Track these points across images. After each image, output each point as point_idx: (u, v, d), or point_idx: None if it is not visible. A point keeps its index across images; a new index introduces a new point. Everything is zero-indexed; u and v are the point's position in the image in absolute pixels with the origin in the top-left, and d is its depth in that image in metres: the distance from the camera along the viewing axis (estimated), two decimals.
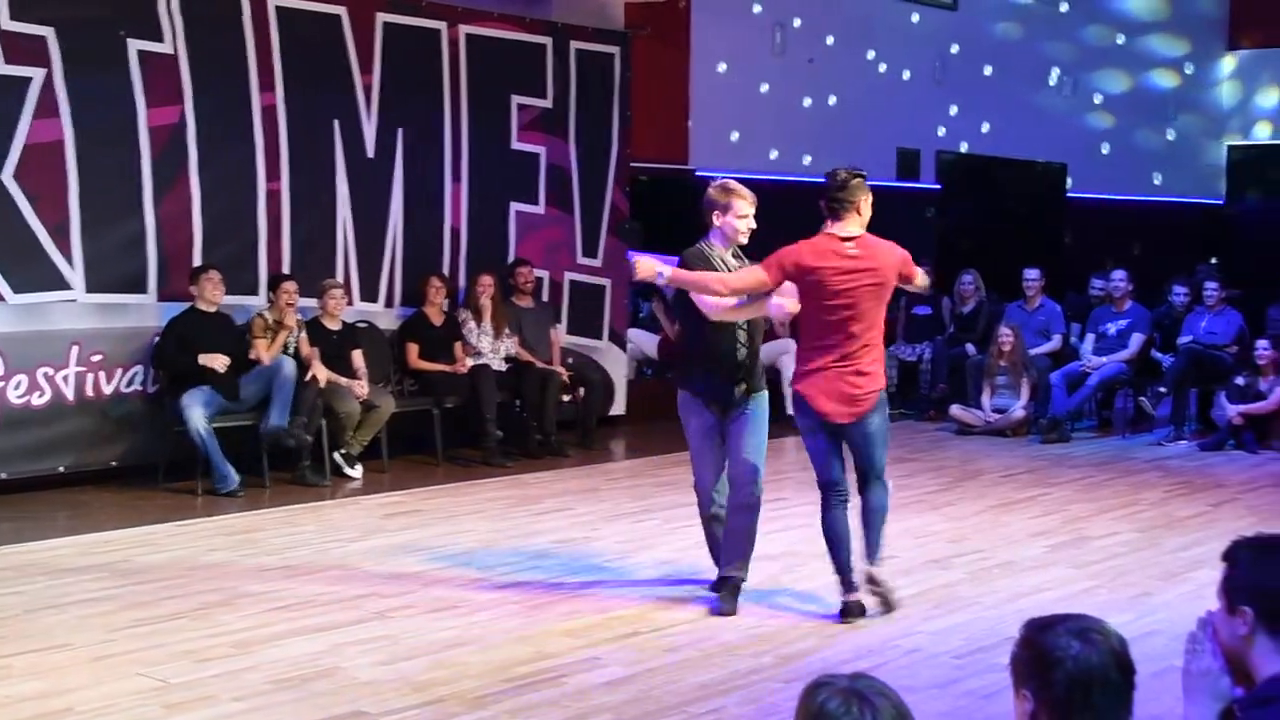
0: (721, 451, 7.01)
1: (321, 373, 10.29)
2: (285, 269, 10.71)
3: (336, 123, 11.10)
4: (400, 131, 11.46)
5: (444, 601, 7.07)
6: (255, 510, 9.29)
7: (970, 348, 13.89)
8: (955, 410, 13.36)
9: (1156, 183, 19.79)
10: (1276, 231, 18.87)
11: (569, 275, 12.83)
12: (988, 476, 11.03)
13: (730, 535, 7.00)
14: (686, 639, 6.51)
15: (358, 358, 10.70)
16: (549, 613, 6.92)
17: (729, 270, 6.81)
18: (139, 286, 10.11)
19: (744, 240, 6.92)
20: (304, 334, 10.42)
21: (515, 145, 12.30)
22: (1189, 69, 19.91)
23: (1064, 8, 18.46)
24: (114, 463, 10.06)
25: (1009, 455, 12.05)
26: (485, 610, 6.93)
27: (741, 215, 6.86)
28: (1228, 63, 20.05)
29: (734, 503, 6.96)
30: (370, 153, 11.30)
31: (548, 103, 12.49)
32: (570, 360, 12.40)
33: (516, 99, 12.27)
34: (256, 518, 9.09)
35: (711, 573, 7.27)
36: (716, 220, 6.88)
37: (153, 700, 5.59)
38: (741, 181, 7.07)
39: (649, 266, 6.58)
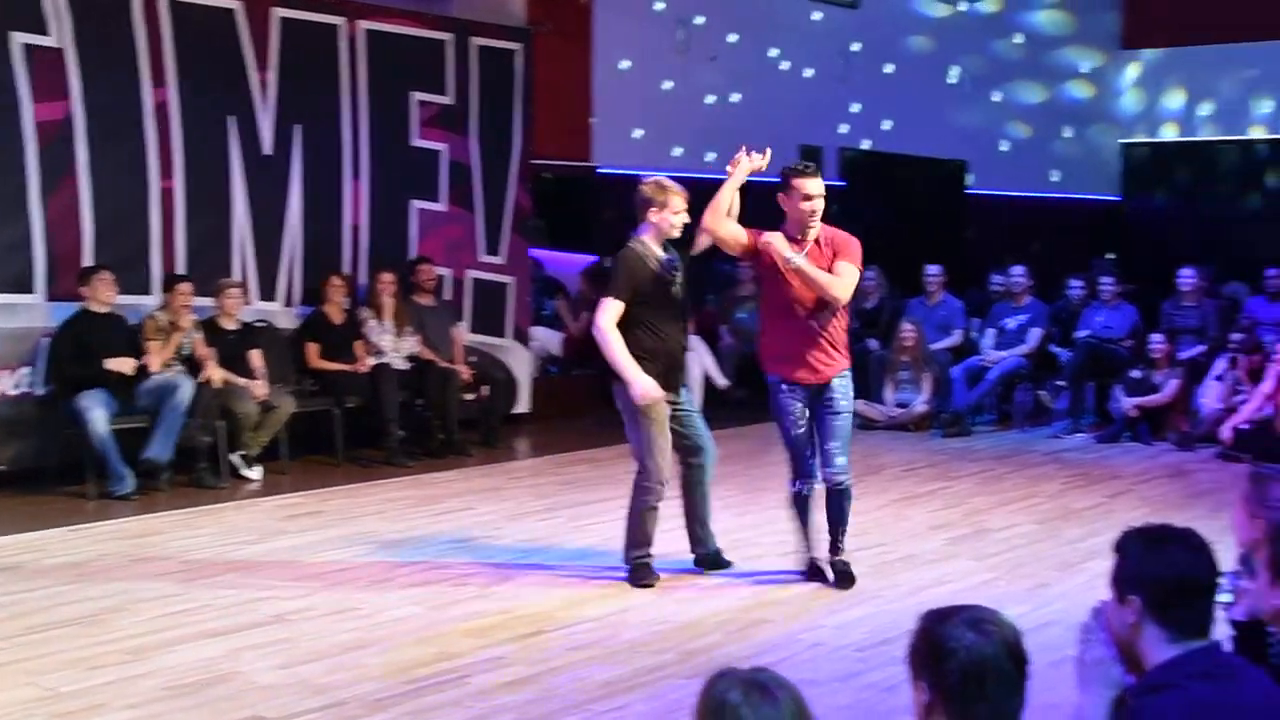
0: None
1: (216, 374, 10.15)
2: (180, 269, 10.57)
3: (232, 119, 10.96)
4: (298, 128, 11.34)
5: (345, 603, 7.02)
6: (151, 514, 9.14)
7: (873, 343, 13.91)
8: (858, 405, 13.23)
9: (1055, 180, 20.03)
10: (1171, 228, 19.22)
11: (471, 273, 12.76)
12: (890, 471, 11.09)
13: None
14: (590, 637, 6.52)
15: (256, 358, 10.58)
16: (451, 613, 6.89)
17: (664, 265, 7.19)
18: (25, 286, 9.92)
19: (677, 234, 7.21)
20: (200, 335, 10.26)
21: (416, 142, 12.23)
22: (1086, 68, 20.16)
23: (963, 7, 18.62)
24: (3, 467, 9.87)
25: (911, 450, 12.14)
26: (387, 611, 6.89)
27: (677, 211, 7.16)
28: (1131, 67, 20.32)
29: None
30: (267, 150, 11.18)
31: (449, 99, 12.42)
32: (473, 358, 12.33)
33: (417, 95, 12.19)
34: (152, 521, 8.95)
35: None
36: (653, 216, 7.15)
37: (40, 710, 5.48)
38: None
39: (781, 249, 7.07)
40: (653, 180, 7.22)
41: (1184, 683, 2.99)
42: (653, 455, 7.25)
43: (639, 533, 7.43)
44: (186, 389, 9.81)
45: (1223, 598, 3.63)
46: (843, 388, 7.22)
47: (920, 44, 18.12)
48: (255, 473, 10.38)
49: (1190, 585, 3.08)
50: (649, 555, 7.45)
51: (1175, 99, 20.08)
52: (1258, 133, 19.32)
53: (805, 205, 7.09)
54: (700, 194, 7.30)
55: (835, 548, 7.46)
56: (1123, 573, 3.15)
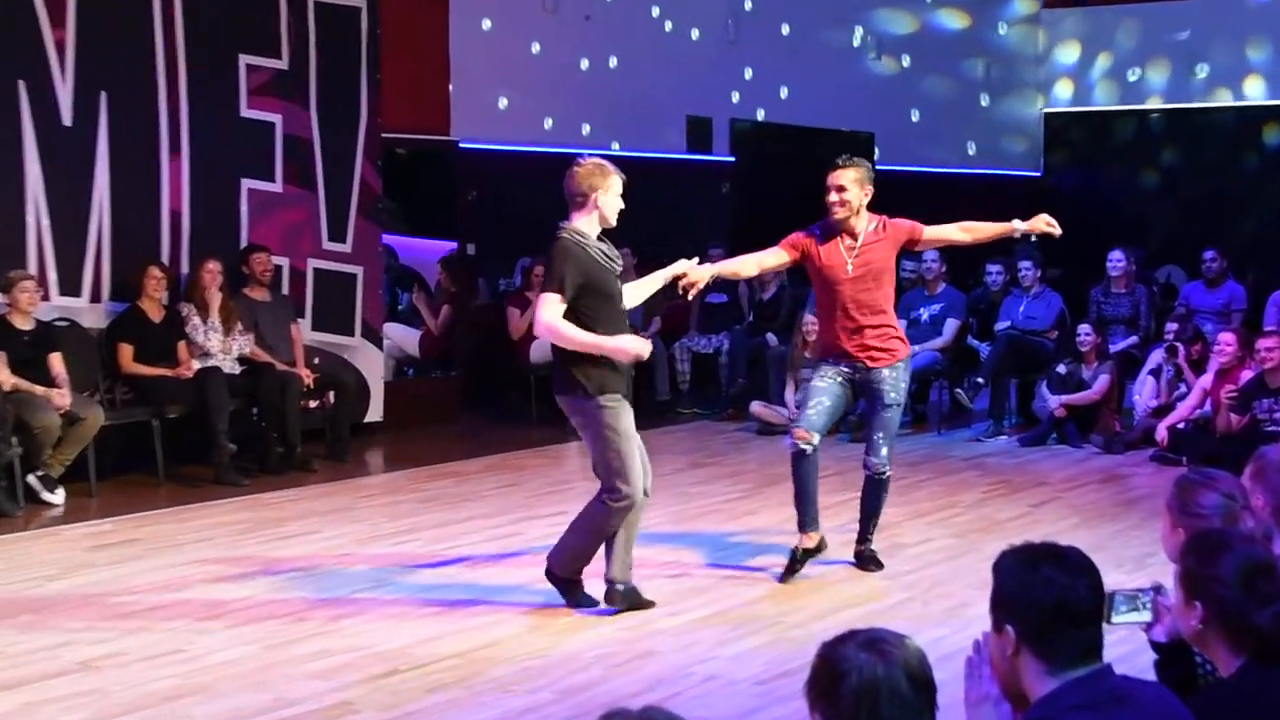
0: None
1: (6, 378, 9.91)
2: None
3: (22, 84, 10.71)
4: (104, 95, 11.12)
5: (164, 646, 6.90)
6: None
7: (772, 338, 14.04)
8: (756, 407, 13.48)
9: (971, 154, 20.26)
10: (1098, 205, 19.43)
11: (313, 263, 12.65)
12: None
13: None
14: (452, 676, 6.47)
15: (56, 362, 10.36)
16: (291, 653, 6.81)
17: (605, 255, 7.32)
18: None
19: (614, 223, 7.34)
20: None
21: (245, 113, 12.08)
22: (1005, 29, 20.39)
23: None
24: None
25: None
26: (214, 654, 6.79)
27: (618, 194, 7.32)
28: (1052, 28, 20.58)
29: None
30: (67, 120, 10.95)
31: (283, 63, 12.29)
32: (316, 360, 12.26)
33: (245, 59, 12.04)
34: None
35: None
36: (598, 201, 7.24)
37: None
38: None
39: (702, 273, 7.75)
40: (591, 161, 7.32)
41: (1062, 718, 3.08)
42: (624, 472, 7.25)
43: (591, 554, 7.48)
44: None
45: (1141, 616, 3.98)
46: (893, 379, 8.04)
47: (820, 2, 18.13)
48: (57, 496, 10.15)
49: (1068, 611, 3.14)
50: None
51: (1103, 63, 20.38)
52: (1194, 101, 19.59)
53: (829, 197, 8.03)
54: None
55: (864, 537, 8.36)
56: (997, 599, 3.22)
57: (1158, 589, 4.02)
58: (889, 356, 8.04)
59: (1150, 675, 3.86)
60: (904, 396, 8.23)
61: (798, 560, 8.05)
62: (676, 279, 7.71)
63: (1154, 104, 19.97)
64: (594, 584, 7.49)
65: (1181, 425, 11.71)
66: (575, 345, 7.16)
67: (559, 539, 7.50)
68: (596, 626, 7.21)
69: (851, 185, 7.96)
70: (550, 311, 7.14)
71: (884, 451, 8.10)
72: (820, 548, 8.13)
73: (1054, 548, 3.24)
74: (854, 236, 8.04)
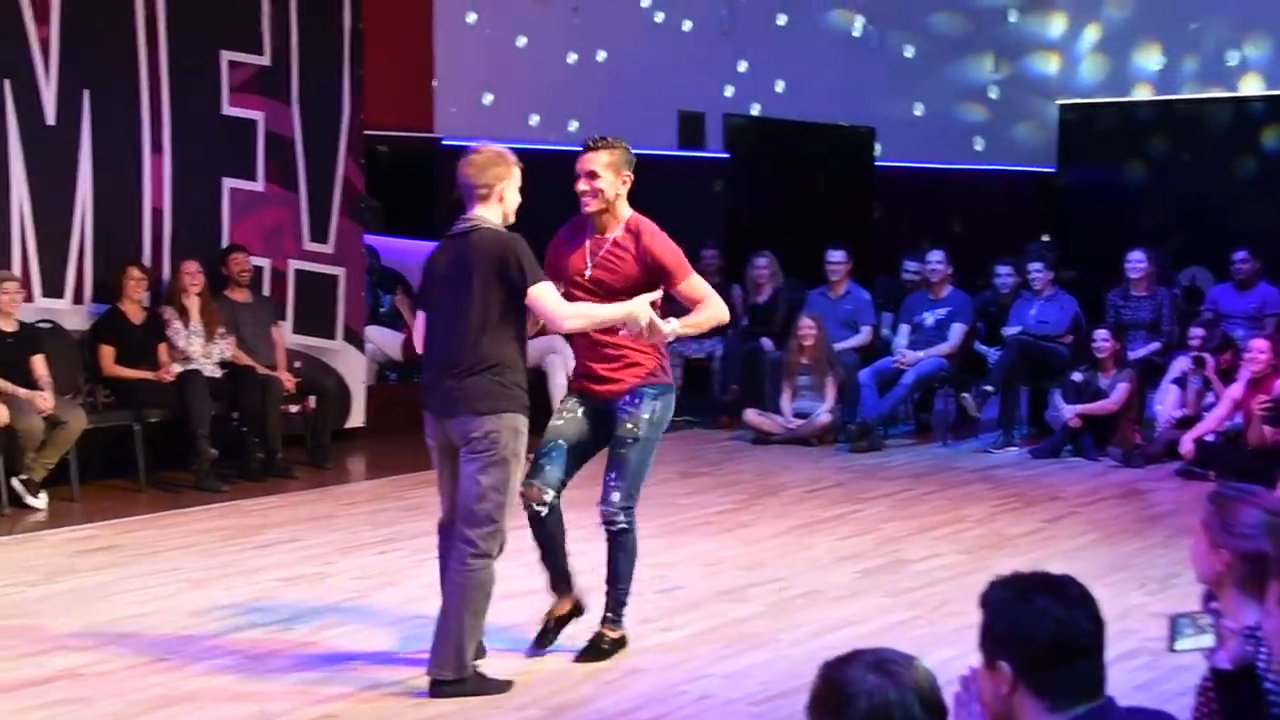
0: None
1: (1, 410, 9.97)
2: None
3: (6, 83, 10.85)
4: (86, 94, 11.26)
5: (147, 654, 7.00)
6: None
7: (767, 343, 14.03)
8: (751, 415, 13.47)
9: (979, 149, 20.17)
10: (1117, 202, 19.04)
11: (294, 264, 12.75)
12: (789, 492, 11.21)
13: None
14: None
15: (39, 364, 10.49)
16: (273, 663, 6.90)
17: None
18: None
19: (513, 219, 6.70)
20: None
21: (227, 110, 12.20)
22: (1015, 16, 20.27)
23: None
24: None
25: (813, 467, 12.24)
26: (197, 663, 6.89)
27: (518, 187, 6.67)
28: (1059, 16, 20.42)
29: None
30: (51, 119, 11.10)
31: (265, 60, 12.40)
32: (297, 364, 12.35)
33: (227, 55, 12.16)
34: None
35: None
36: (503, 194, 6.59)
37: None
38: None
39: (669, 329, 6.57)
40: (491, 149, 6.67)
41: None
42: (506, 511, 6.54)
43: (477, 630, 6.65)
44: None
45: (1206, 641, 3.83)
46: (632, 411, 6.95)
47: None
48: (39, 501, 10.30)
49: (1067, 645, 3.07)
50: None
51: (1121, 51, 20.01)
52: (1217, 91, 19.09)
53: (578, 185, 6.92)
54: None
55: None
56: (989, 634, 3.13)
57: (1218, 611, 3.93)
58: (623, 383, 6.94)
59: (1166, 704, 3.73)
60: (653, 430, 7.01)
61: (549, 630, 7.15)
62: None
63: (1178, 94, 19.42)
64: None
65: (1209, 437, 11.50)
66: (602, 321, 6.60)
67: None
68: (585, 641, 7.08)
69: (605, 171, 6.80)
70: (560, 302, 6.52)
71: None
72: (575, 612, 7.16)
73: (1047, 576, 3.15)
74: (603, 234, 6.92)
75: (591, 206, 6.84)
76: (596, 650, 7.04)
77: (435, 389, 6.58)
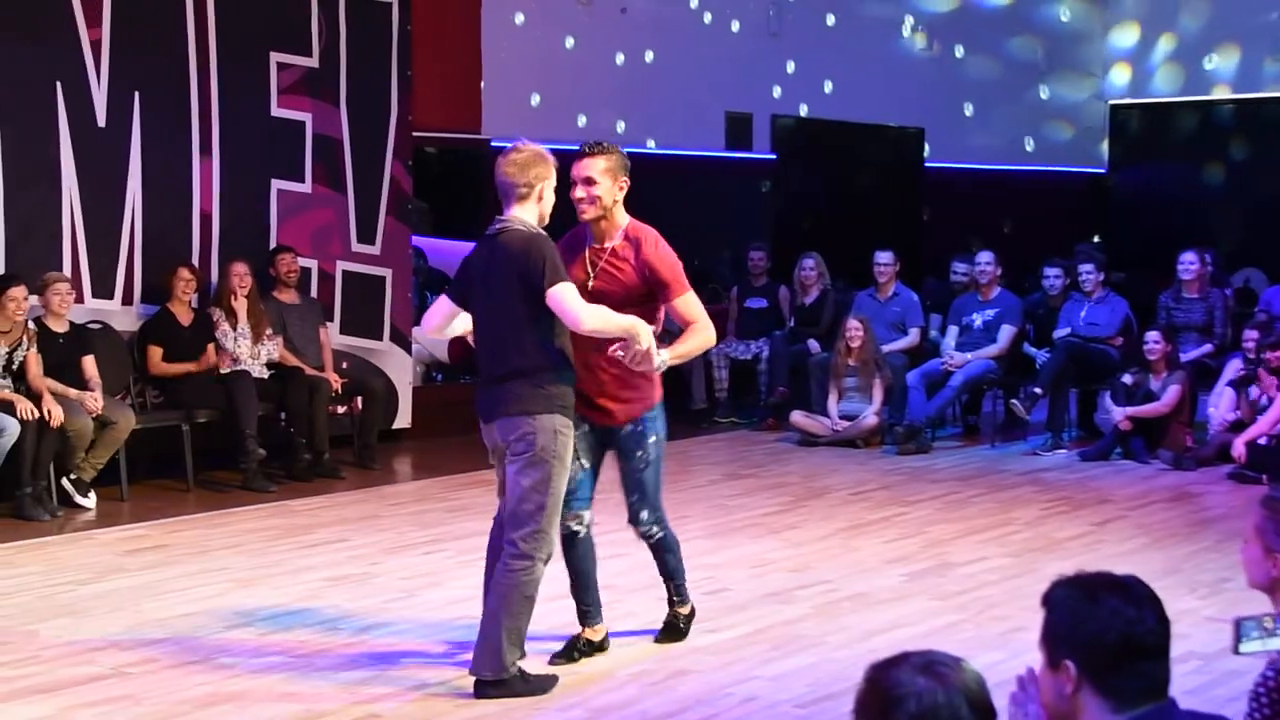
0: None
1: (56, 410, 9.96)
2: None
3: (59, 85, 10.95)
4: (137, 96, 11.35)
5: (196, 653, 7.06)
6: None
7: (814, 344, 14.03)
8: (797, 417, 13.46)
9: (1029, 150, 20.13)
10: (1168, 203, 19.02)
11: (342, 265, 12.81)
12: (836, 494, 11.22)
13: None
14: None
15: (89, 365, 10.57)
16: (320, 663, 6.94)
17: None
18: None
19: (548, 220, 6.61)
20: (34, 349, 10.20)
21: (276, 112, 12.27)
22: (1065, 15, 20.27)
23: None
24: None
25: (860, 469, 12.23)
26: (245, 662, 6.94)
27: (554, 188, 6.58)
28: (1104, 8, 20.41)
29: None
30: (101, 121, 11.19)
31: (313, 61, 12.47)
32: (344, 365, 12.41)
33: (276, 57, 12.24)
34: None
35: None
36: (545, 195, 6.51)
37: None
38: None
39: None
40: (530, 148, 6.53)
41: None
42: (550, 514, 6.51)
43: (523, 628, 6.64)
44: (11, 431, 9.75)
45: (1273, 644, 3.76)
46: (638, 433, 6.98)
47: None
48: (89, 500, 10.37)
49: (1134, 646, 3.06)
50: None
51: (1171, 48, 20.04)
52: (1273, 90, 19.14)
53: (575, 193, 6.77)
54: None
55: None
56: (1054, 633, 3.12)
57: None
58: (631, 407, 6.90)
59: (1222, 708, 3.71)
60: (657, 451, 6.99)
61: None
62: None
63: (1230, 94, 19.50)
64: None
65: (1262, 440, 11.43)
66: (617, 326, 6.37)
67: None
68: (632, 644, 7.21)
69: (602, 177, 6.65)
70: (580, 303, 6.32)
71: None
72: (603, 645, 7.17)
73: (1113, 577, 3.13)
74: (601, 244, 6.81)
75: (589, 214, 6.72)
76: (675, 630, 7.32)
77: (480, 393, 6.61)
